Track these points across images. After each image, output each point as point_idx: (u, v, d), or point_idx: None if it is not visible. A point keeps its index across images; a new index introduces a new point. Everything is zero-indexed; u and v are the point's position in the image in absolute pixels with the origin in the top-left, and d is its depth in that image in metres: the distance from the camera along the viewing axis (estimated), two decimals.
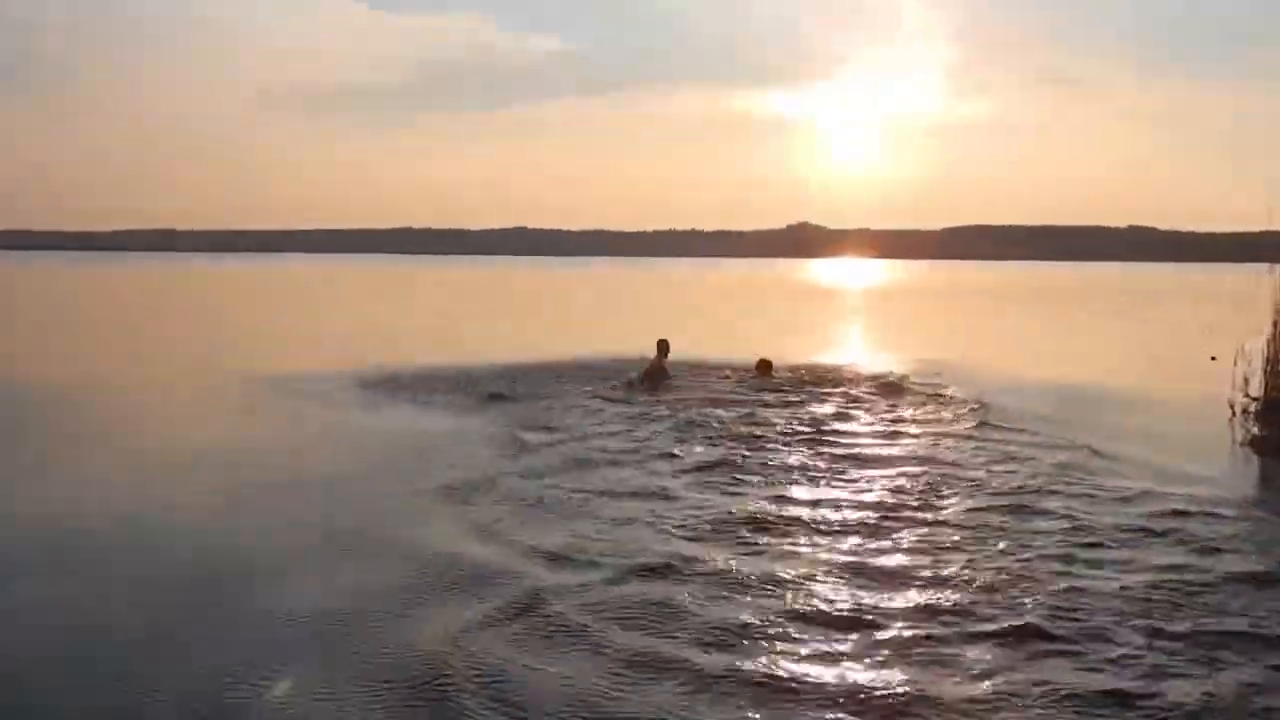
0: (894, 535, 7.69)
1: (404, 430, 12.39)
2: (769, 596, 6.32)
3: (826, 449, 10.93)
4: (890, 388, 15.92)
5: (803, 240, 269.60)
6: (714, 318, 37.64)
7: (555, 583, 6.41)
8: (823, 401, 14.46)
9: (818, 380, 16.60)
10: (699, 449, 10.91)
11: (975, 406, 13.87)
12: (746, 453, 10.71)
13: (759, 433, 11.85)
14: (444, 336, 26.65)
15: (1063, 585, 6.51)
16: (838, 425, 12.54)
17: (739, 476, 9.65)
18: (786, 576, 6.66)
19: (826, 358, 20.34)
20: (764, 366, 16.82)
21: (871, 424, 12.73)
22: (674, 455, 10.57)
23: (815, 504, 8.60)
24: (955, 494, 8.92)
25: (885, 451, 10.94)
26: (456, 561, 6.87)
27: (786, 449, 10.96)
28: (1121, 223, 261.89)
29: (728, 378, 16.64)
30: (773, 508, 8.42)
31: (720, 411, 13.32)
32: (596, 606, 6.02)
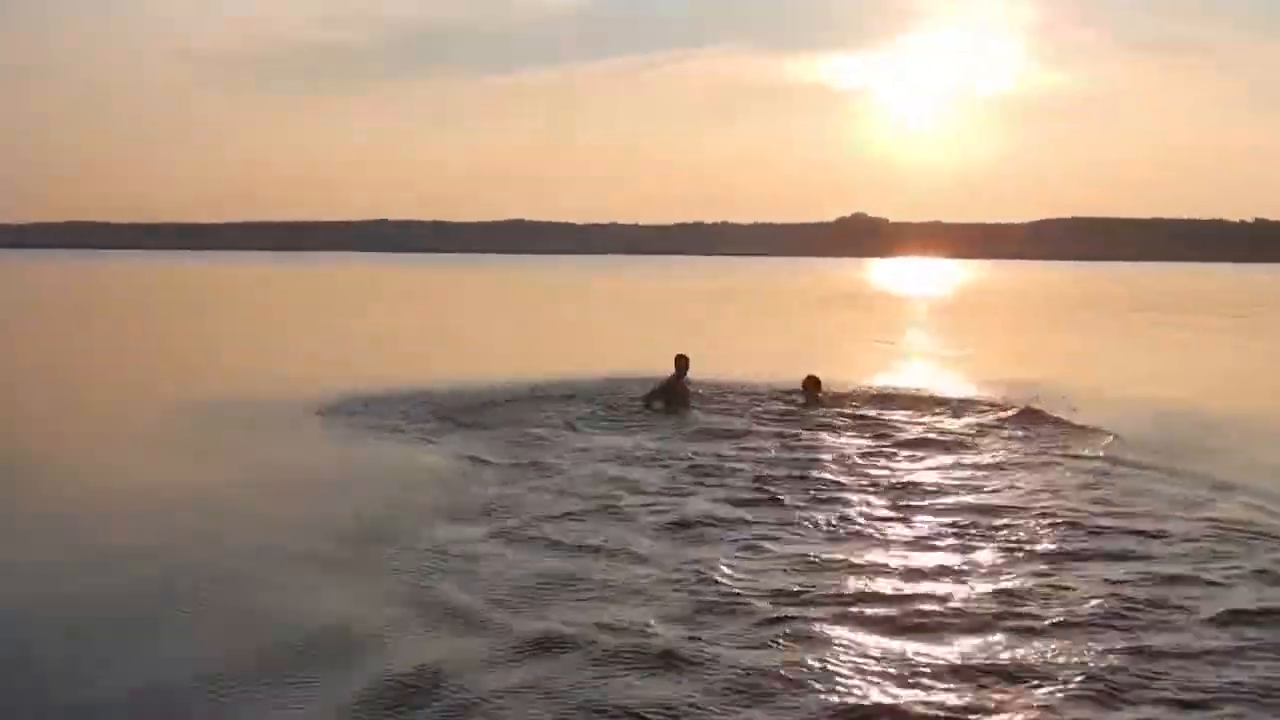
0: (938, 616, 6.98)
1: (346, 467, 12.14)
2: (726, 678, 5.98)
3: (884, 495, 10.30)
4: (1024, 417, 14.93)
5: (858, 235, 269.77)
6: (746, 329, 37.30)
7: (457, 656, 6.31)
8: (886, 432, 13.87)
9: (880, 404, 16.20)
10: (706, 492, 10.36)
11: (1094, 439, 13.26)
12: (774, 496, 10.13)
13: (796, 471, 11.27)
14: (421, 352, 26.61)
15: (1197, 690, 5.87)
16: (902, 462, 11.98)
17: (754, 530, 9.01)
18: (763, 665, 6.17)
19: (890, 378, 20.01)
20: (812, 386, 16.31)
21: (951, 461, 12.09)
22: (669, 499, 10.05)
23: (849, 568, 7.97)
24: (1063, 559, 8.23)
25: (963, 498, 10.26)
26: (346, 627, 6.76)
27: (828, 491, 10.38)
28: (1247, 216, 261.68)
29: (766, 400, 16.36)
30: (787, 574, 7.83)
31: (746, 443, 12.90)
32: (497, 687, 5.91)
